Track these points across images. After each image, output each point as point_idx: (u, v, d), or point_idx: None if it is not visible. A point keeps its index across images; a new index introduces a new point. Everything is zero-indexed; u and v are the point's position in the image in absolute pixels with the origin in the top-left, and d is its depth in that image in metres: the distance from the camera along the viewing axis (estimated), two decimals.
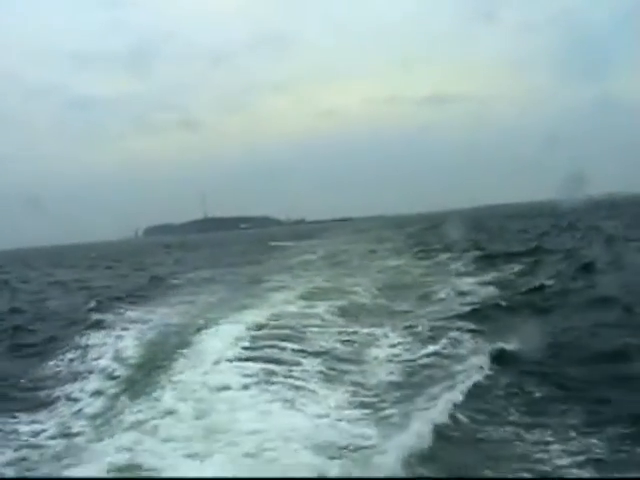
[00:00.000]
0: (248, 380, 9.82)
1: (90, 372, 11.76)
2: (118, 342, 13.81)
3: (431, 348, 11.18)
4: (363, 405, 8.55)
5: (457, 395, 8.15)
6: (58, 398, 10.41)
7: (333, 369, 10.47)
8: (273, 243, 58.11)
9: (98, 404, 9.71)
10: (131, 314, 17.68)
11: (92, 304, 19.90)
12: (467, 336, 11.63)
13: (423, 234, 47.10)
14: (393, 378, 9.79)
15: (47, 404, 10.14)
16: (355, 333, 13.15)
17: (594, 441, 6.75)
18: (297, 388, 9.44)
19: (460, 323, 12.75)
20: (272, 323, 14.17)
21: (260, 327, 13.64)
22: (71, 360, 13.05)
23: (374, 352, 11.47)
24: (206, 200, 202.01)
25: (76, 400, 10.14)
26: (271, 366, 10.60)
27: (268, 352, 11.56)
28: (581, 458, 6.39)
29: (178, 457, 6.98)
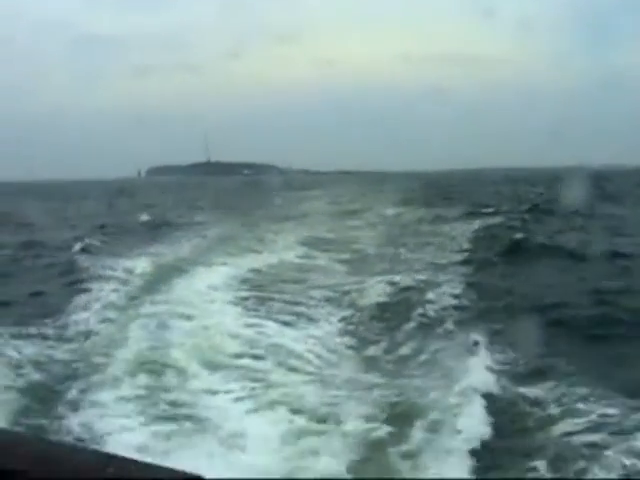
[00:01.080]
0: (245, 302, 11.04)
1: (109, 278, 13.07)
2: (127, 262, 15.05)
3: (416, 284, 12.24)
4: (352, 334, 9.52)
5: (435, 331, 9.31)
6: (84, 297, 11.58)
7: (330, 301, 11.40)
8: (275, 192, 58.54)
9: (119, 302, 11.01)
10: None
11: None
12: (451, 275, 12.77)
13: (423, 190, 47.82)
14: (385, 316, 10.55)
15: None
16: (354, 273, 14.15)
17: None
18: (293, 313, 10.47)
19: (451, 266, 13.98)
20: (272, 263, 15.23)
21: (260, 267, 14.68)
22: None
23: (369, 290, 12.25)
24: (210, 144, 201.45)
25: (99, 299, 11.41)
26: (268, 294, 11.74)
27: (267, 285, 12.63)
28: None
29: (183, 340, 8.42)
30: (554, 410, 6.21)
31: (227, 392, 7.02)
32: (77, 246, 18.04)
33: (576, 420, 5.90)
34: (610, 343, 8.48)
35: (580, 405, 6.20)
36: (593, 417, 5.89)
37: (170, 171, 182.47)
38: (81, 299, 11.23)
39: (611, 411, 5.94)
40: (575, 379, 6.87)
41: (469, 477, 5.37)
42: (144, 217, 28.38)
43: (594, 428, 5.70)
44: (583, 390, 6.50)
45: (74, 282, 12.92)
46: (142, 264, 14.78)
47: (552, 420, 6.04)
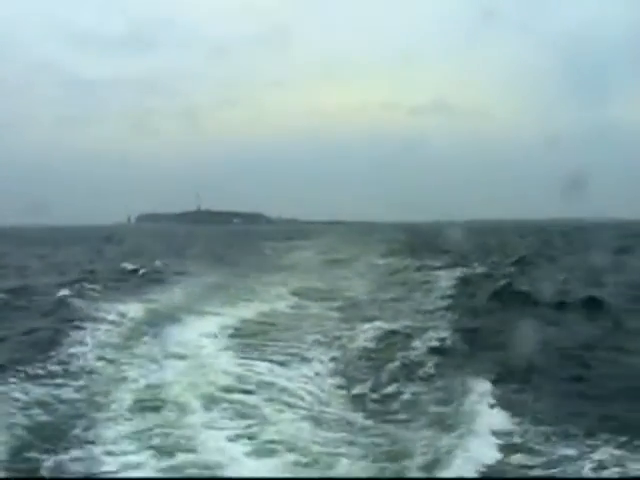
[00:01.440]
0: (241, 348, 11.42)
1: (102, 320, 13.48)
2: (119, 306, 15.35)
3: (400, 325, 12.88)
4: (340, 374, 10.00)
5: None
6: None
7: (322, 345, 11.81)
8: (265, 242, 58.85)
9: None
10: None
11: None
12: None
13: (410, 241, 48.64)
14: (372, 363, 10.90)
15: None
16: (344, 320, 14.59)
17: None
18: (286, 355, 10.92)
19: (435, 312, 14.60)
20: (264, 313, 15.59)
21: (252, 316, 15.01)
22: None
23: (359, 335, 12.70)
24: (200, 192, 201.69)
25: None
26: (261, 340, 12.18)
27: (260, 332, 13.04)
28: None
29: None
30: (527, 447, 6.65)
31: (225, 429, 7.35)
32: (67, 291, 18.14)
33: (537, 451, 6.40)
34: (582, 384, 8.92)
35: (543, 439, 6.72)
36: (554, 453, 6.39)
37: (160, 218, 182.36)
38: (77, 340, 11.51)
39: (570, 451, 6.41)
40: (545, 416, 7.35)
41: (469, 477, 5.63)
42: (131, 266, 27.41)
43: (552, 463, 6.18)
44: (549, 428, 7.01)
45: (67, 324, 13.02)
46: (134, 309, 15.10)
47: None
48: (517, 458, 6.31)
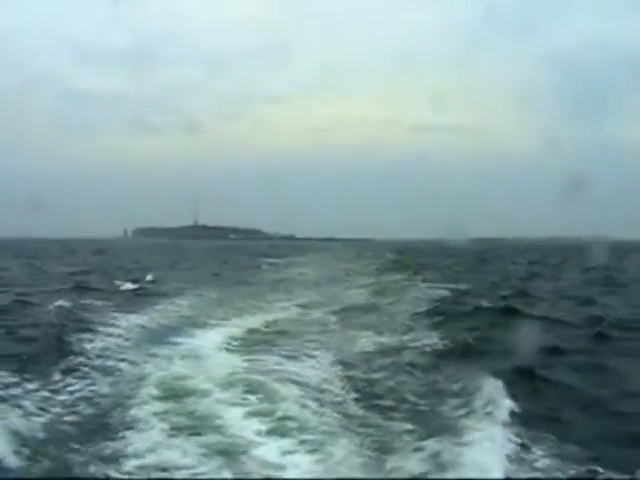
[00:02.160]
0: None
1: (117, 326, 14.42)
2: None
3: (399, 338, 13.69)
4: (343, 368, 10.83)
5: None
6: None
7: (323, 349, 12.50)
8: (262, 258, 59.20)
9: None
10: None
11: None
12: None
13: (404, 258, 49.30)
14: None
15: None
16: (343, 328, 15.37)
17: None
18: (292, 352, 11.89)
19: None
20: (267, 322, 16.19)
21: (257, 324, 15.68)
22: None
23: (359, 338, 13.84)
24: (198, 207, 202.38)
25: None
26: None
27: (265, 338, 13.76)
28: None
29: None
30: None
31: (240, 407, 8.32)
32: (66, 302, 18.39)
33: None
34: (551, 389, 9.48)
35: (538, 439, 7.10)
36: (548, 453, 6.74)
37: (157, 232, 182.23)
38: (84, 345, 11.97)
39: (564, 451, 6.78)
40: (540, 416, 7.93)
41: (469, 477, 5.84)
42: (122, 280, 26.89)
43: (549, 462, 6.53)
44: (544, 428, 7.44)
45: (74, 330, 13.38)
46: (138, 319, 15.65)
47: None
48: (513, 458, 6.54)
